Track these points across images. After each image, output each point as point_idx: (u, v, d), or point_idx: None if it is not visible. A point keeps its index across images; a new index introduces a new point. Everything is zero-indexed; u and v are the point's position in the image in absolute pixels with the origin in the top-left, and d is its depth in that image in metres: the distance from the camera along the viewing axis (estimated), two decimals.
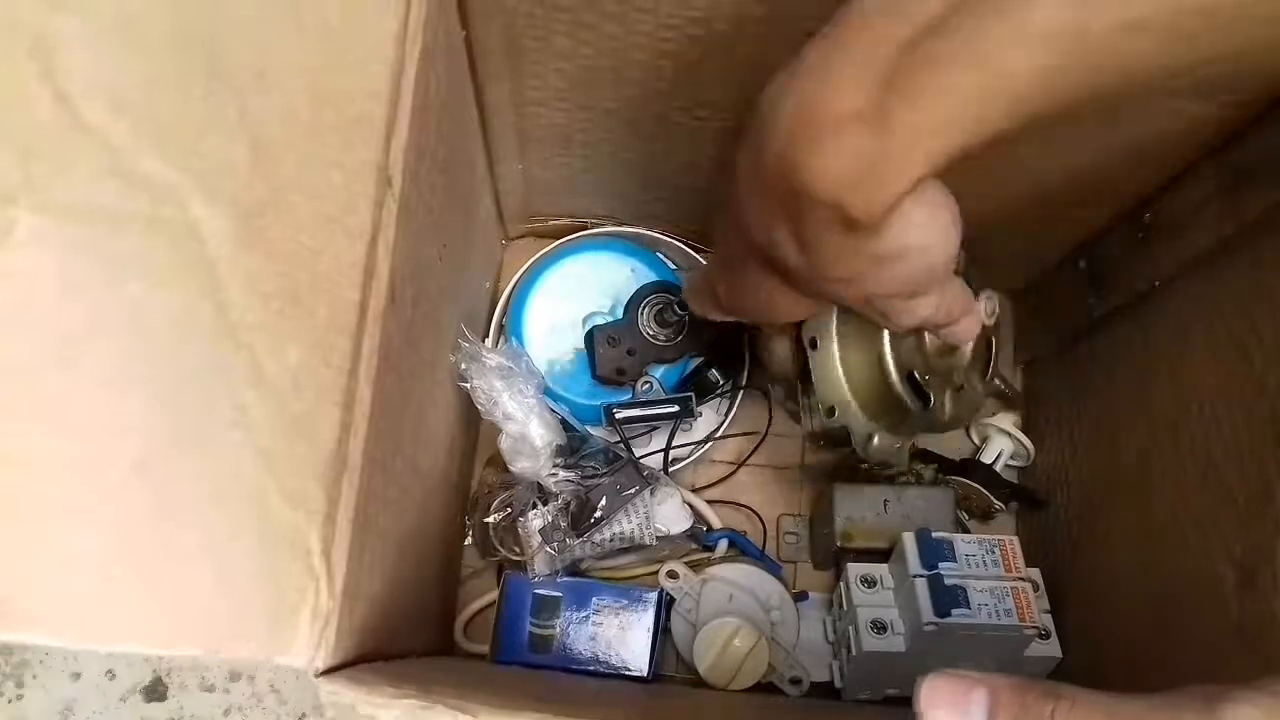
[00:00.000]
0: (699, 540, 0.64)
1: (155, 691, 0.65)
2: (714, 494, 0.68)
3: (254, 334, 0.31)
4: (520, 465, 0.54)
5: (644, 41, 0.47)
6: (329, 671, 0.33)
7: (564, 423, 0.58)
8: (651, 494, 0.59)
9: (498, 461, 0.61)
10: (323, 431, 0.33)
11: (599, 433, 0.62)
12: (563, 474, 0.54)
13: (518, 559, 0.59)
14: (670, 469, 0.63)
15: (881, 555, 0.60)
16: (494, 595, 0.62)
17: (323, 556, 0.33)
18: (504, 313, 0.65)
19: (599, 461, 0.57)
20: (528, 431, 0.53)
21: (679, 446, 0.63)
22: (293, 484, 0.32)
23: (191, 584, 0.30)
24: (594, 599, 0.60)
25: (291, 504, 0.32)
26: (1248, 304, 0.47)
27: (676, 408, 0.61)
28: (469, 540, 0.63)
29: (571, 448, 0.56)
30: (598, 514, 0.54)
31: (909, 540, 0.57)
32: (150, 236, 0.30)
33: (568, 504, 0.56)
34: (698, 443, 0.64)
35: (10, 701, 0.64)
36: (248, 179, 0.32)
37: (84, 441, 0.29)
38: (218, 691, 0.65)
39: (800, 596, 0.64)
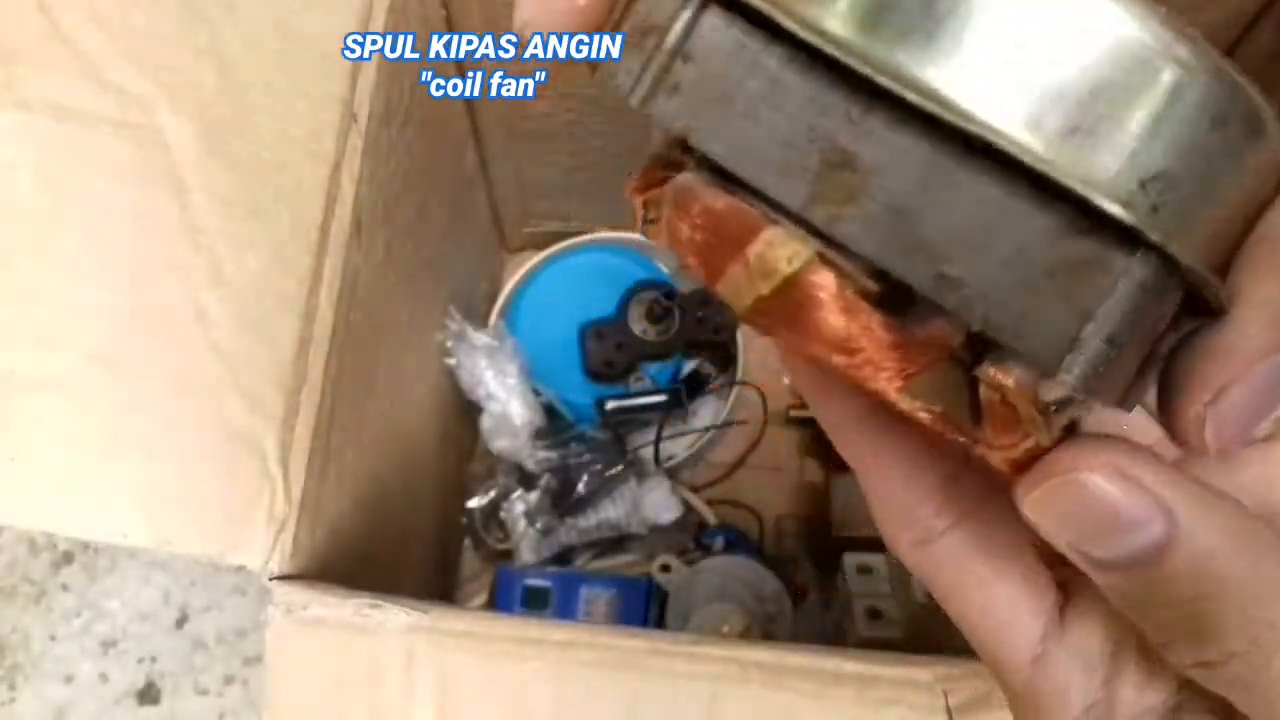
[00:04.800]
0: (694, 536, 0.64)
1: (148, 695, 0.64)
2: (713, 494, 0.67)
3: (215, 238, 0.32)
4: (500, 444, 0.54)
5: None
6: (285, 579, 0.33)
7: (551, 409, 0.59)
8: (639, 483, 0.59)
9: (484, 459, 0.62)
10: (281, 339, 0.34)
11: (595, 432, 0.63)
12: (543, 453, 0.54)
13: (503, 547, 0.58)
14: (667, 464, 0.63)
15: (879, 545, 0.59)
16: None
17: (280, 462, 0.33)
18: (501, 312, 0.67)
19: (582, 444, 0.57)
20: (509, 410, 0.53)
21: (671, 437, 0.63)
22: (250, 384, 0.32)
23: (146, 474, 0.31)
24: (584, 589, 0.59)
25: (249, 405, 0.32)
26: None
27: (665, 399, 0.62)
28: (468, 541, 0.64)
29: (556, 428, 0.57)
30: (580, 491, 0.54)
31: None
32: (118, 139, 0.31)
33: (550, 487, 0.56)
34: (697, 431, 0.64)
35: (2, 705, 0.63)
36: (214, 97, 0.34)
37: (47, 322, 0.30)
38: (211, 695, 0.64)
39: (799, 596, 0.63)
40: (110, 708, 0.64)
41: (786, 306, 0.15)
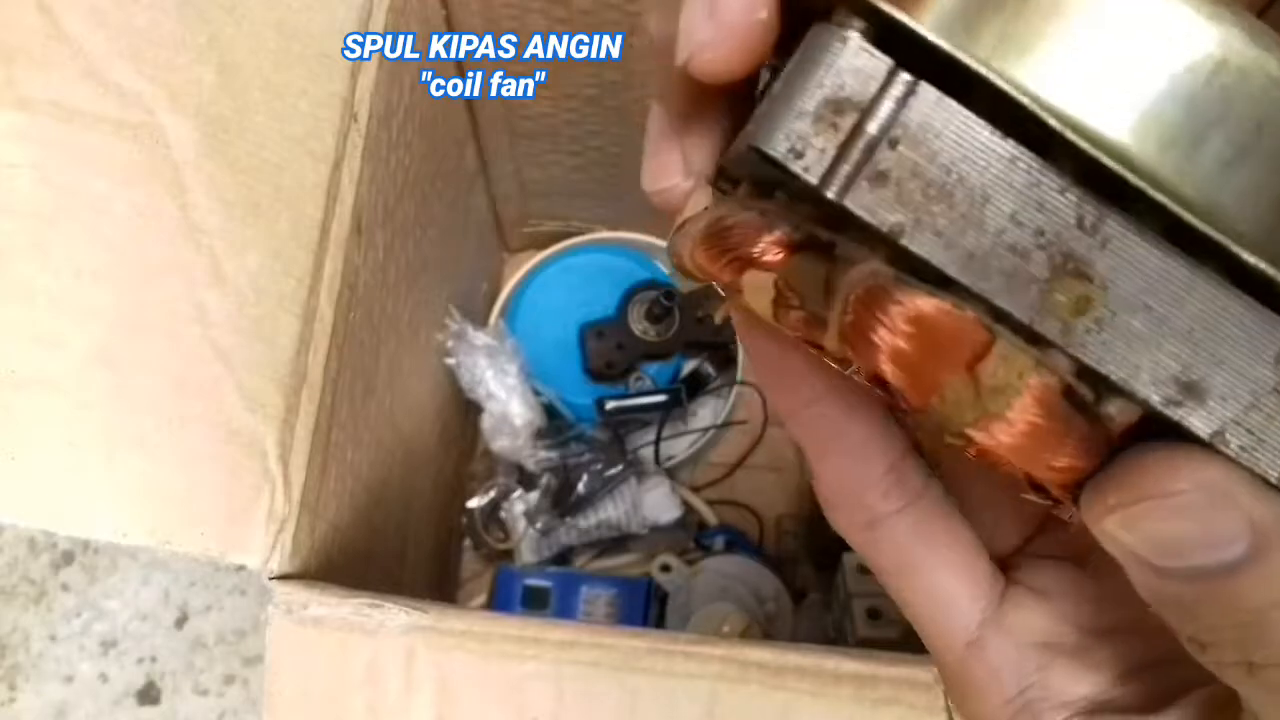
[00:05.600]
0: (694, 536, 0.64)
1: (148, 695, 0.64)
2: (713, 494, 0.67)
3: (215, 237, 0.32)
4: (500, 444, 0.54)
5: (618, 18, 0.49)
6: (285, 579, 0.33)
7: (551, 409, 0.59)
8: (639, 482, 0.59)
9: (484, 459, 0.62)
10: (281, 338, 0.34)
11: (595, 432, 0.63)
12: (543, 453, 0.54)
13: (504, 547, 0.58)
14: (667, 464, 0.63)
15: None
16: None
17: (280, 461, 0.33)
18: (501, 312, 0.67)
19: (582, 444, 0.57)
20: (509, 410, 0.53)
21: (671, 437, 0.63)
22: (250, 383, 0.32)
23: (146, 473, 0.31)
24: (584, 589, 0.59)
25: (249, 404, 0.32)
26: None
27: (665, 398, 0.62)
28: (468, 541, 0.64)
29: (556, 428, 0.57)
30: (580, 491, 0.54)
31: None
32: (118, 139, 0.31)
33: (550, 487, 0.56)
34: (697, 431, 0.64)
35: (2, 705, 0.63)
36: (214, 96, 0.34)
37: (47, 322, 0.30)
38: (211, 695, 0.64)
39: (799, 596, 0.63)
40: (110, 708, 0.64)
41: (998, 418, 0.14)
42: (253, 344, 0.33)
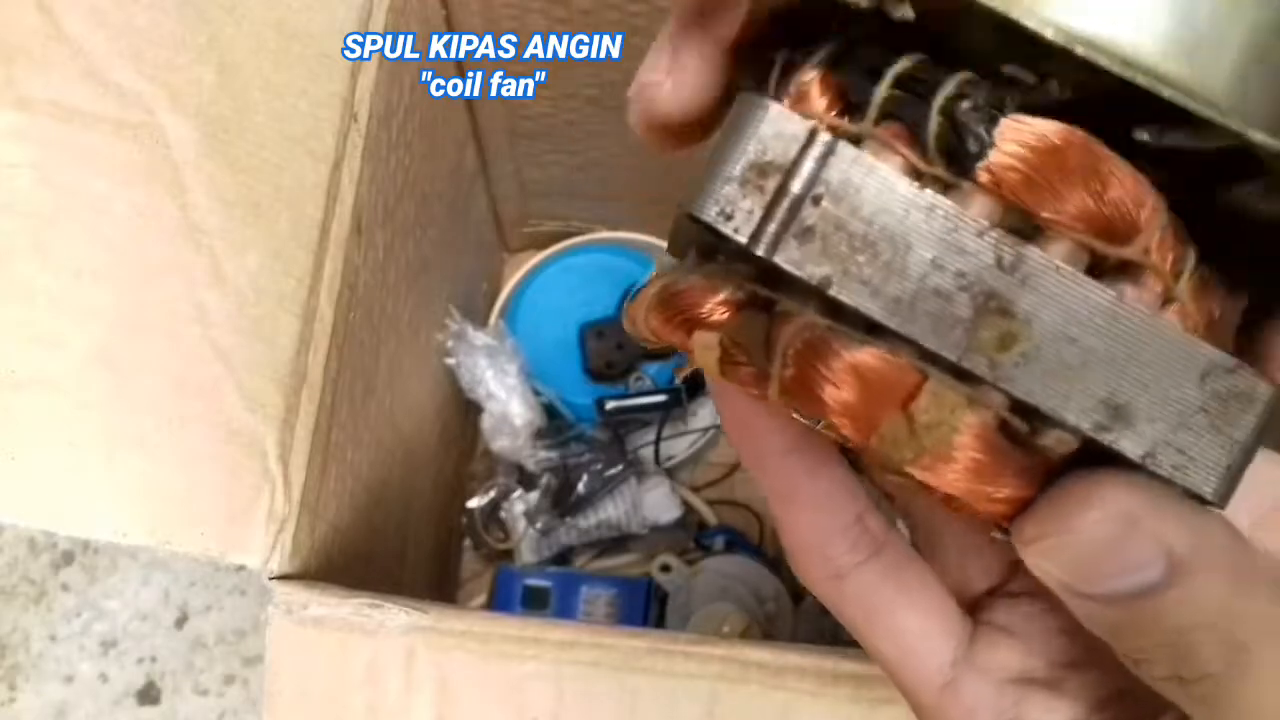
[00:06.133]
0: (694, 536, 0.64)
1: (148, 695, 0.64)
2: (713, 493, 0.67)
3: (215, 237, 0.32)
4: (500, 444, 0.54)
5: (618, 18, 0.49)
6: (285, 579, 0.33)
7: (551, 409, 0.59)
8: (639, 482, 0.59)
9: (484, 459, 0.62)
10: (281, 338, 0.34)
11: (595, 432, 0.63)
12: (543, 453, 0.54)
13: (504, 547, 0.58)
14: (667, 464, 0.63)
15: None
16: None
17: (280, 461, 0.33)
18: (501, 312, 0.67)
19: (582, 444, 0.57)
20: (509, 410, 0.53)
21: (671, 437, 0.63)
22: (250, 383, 0.33)
23: (146, 473, 0.31)
24: (584, 589, 0.59)
25: (249, 404, 0.32)
26: None
27: (665, 398, 0.62)
28: (468, 541, 0.64)
29: (556, 428, 0.57)
30: (580, 491, 0.54)
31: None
32: (118, 139, 0.31)
33: (550, 487, 0.56)
34: (697, 431, 0.64)
35: (2, 705, 0.63)
36: (214, 96, 0.34)
37: (47, 322, 0.30)
38: (211, 695, 0.64)
39: (799, 596, 0.63)
40: (110, 708, 0.64)
41: (939, 456, 0.15)
42: (253, 344, 0.33)
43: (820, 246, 0.14)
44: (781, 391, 0.15)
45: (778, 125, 0.15)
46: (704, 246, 0.17)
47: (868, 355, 0.15)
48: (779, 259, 0.14)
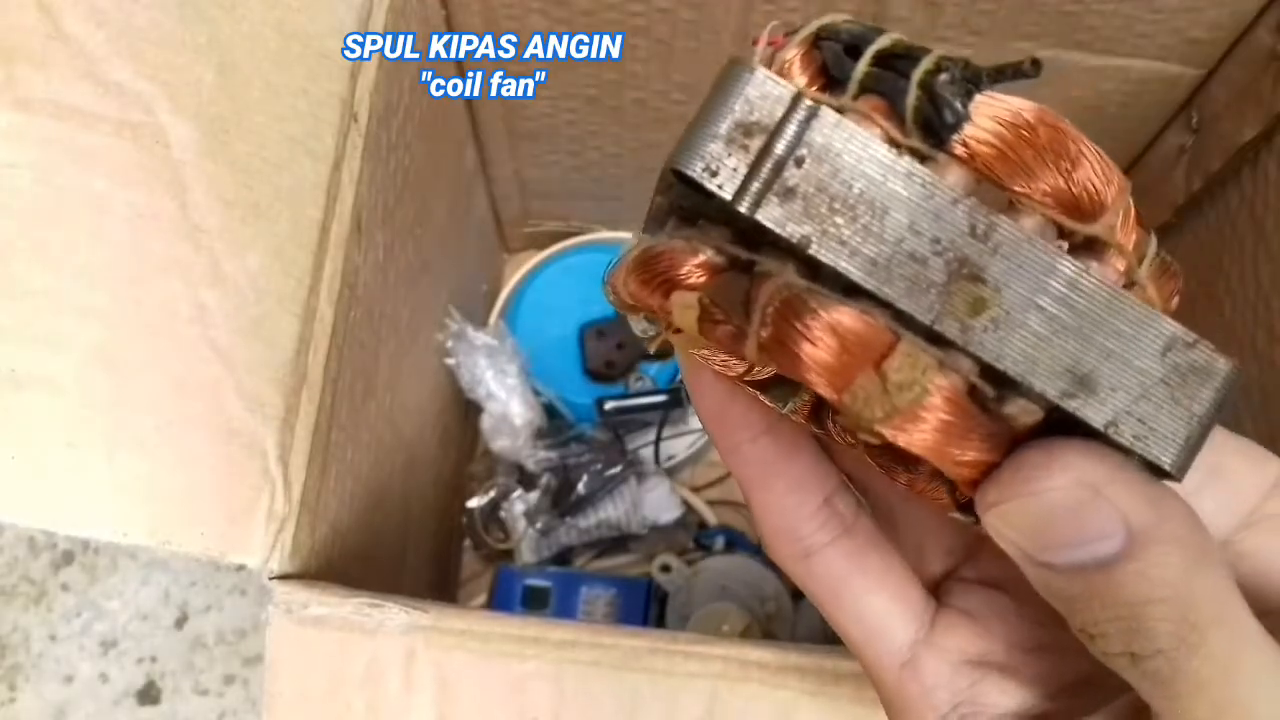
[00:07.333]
0: (694, 536, 0.64)
1: (148, 695, 0.64)
2: (713, 493, 0.67)
3: (215, 237, 0.32)
4: (500, 444, 0.54)
5: (618, 18, 0.49)
6: (285, 579, 0.33)
7: (551, 409, 0.59)
8: (639, 482, 0.59)
9: (484, 459, 0.62)
10: (281, 338, 0.33)
11: (595, 432, 0.63)
12: (543, 453, 0.54)
13: (504, 547, 0.58)
14: (667, 464, 0.63)
15: None
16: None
17: (279, 461, 0.33)
18: (501, 312, 0.67)
19: (582, 444, 0.57)
20: (509, 410, 0.53)
21: (671, 437, 0.63)
22: (250, 384, 0.32)
23: (146, 473, 0.31)
24: (584, 589, 0.59)
25: (249, 404, 0.32)
26: (1218, 255, 0.47)
27: (665, 398, 0.62)
28: (468, 541, 0.64)
29: (556, 428, 0.57)
30: (580, 491, 0.54)
31: None
32: (118, 138, 0.31)
33: (550, 487, 0.56)
34: (697, 431, 0.64)
35: (2, 705, 0.63)
36: (214, 96, 0.34)
37: (47, 322, 0.30)
38: (211, 695, 0.64)
39: (799, 596, 0.63)
40: (110, 708, 0.64)
41: (909, 416, 0.15)
42: (252, 344, 0.33)
43: (801, 207, 0.15)
44: (759, 349, 0.15)
45: (764, 88, 0.15)
46: (684, 213, 0.17)
47: (844, 314, 0.15)
48: (761, 216, 0.15)
